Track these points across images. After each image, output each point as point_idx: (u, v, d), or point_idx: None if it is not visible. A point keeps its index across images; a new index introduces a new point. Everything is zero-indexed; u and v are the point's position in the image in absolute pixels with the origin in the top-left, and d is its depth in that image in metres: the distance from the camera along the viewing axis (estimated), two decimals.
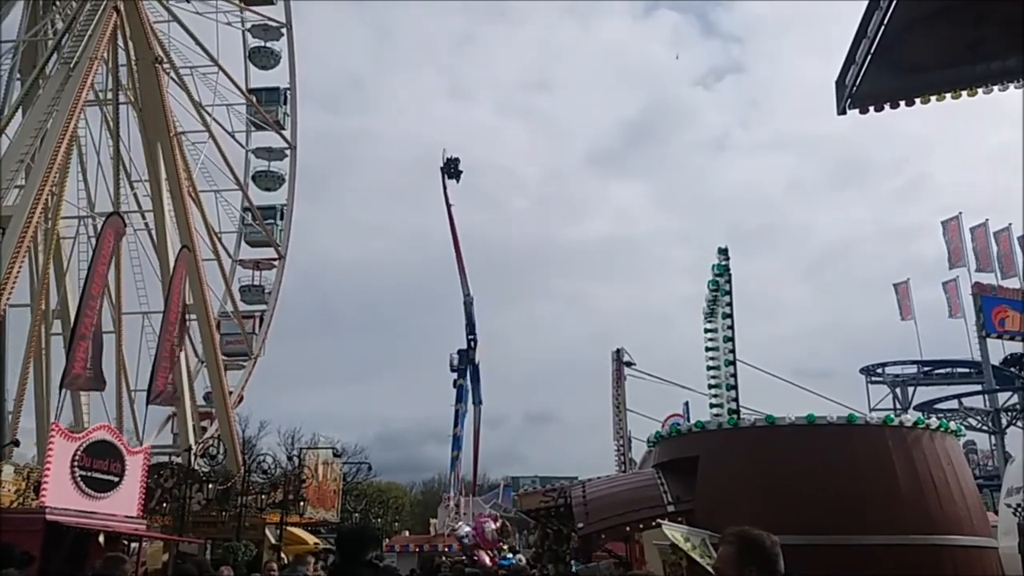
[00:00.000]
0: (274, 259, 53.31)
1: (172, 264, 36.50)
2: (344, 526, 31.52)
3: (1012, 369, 51.20)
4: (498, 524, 30.95)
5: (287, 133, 53.53)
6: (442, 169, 52.55)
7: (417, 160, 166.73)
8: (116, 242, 28.37)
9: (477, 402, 53.96)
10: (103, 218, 41.40)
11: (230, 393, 48.48)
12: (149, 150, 38.23)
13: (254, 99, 51.39)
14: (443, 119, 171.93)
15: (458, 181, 52.93)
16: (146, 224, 41.64)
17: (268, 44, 52.21)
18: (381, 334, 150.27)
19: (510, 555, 28.51)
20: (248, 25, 51.71)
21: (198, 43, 45.22)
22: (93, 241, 41.39)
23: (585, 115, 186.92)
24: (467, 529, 31.61)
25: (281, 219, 53.58)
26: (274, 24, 52.01)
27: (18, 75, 38.01)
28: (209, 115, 47.09)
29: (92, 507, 19.11)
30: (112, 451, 20.07)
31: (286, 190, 53.72)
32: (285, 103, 53.35)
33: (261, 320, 51.96)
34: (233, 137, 50.90)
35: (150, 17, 38.68)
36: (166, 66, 39.49)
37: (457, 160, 52.55)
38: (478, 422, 54.56)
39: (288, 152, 53.65)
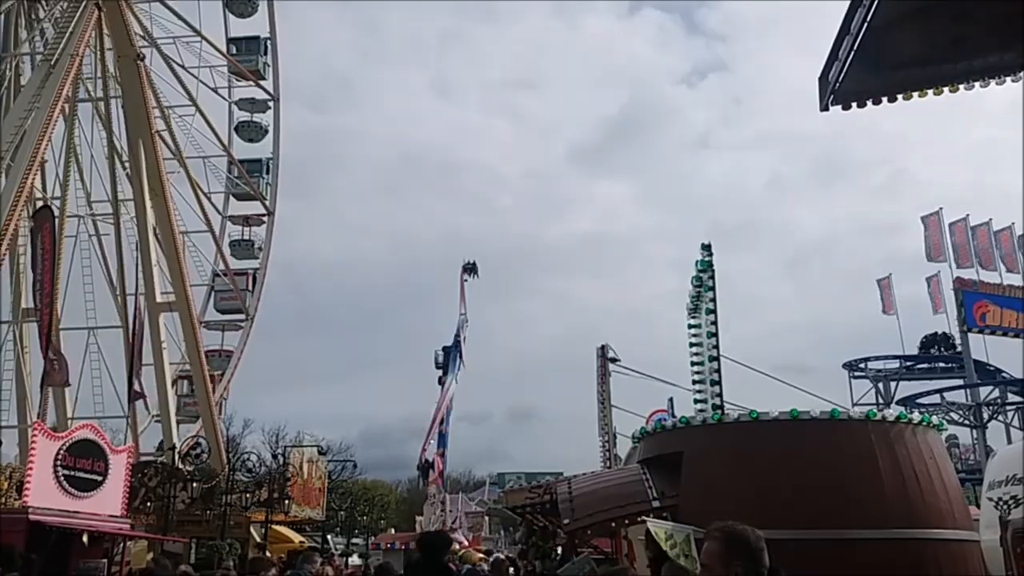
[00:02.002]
0: (263, 214, 52.77)
1: (154, 259, 36.44)
2: (427, 533, 30.69)
3: (933, 349, 51.59)
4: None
5: (268, 84, 52.79)
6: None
7: (404, 158, 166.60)
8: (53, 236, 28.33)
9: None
10: (102, 214, 41.42)
11: (229, 354, 48.50)
12: (131, 148, 37.93)
13: (233, 49, 50.69)
14: (429, 117, 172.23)
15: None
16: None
17: None
18: (366, 331, 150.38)
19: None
20: None
21: (179, 17, 44.84)
22: (93, 240, 41.43)
23: (569, 113, 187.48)
24: None
25: (267, 173, 52.91)
26: None
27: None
28: (195, 77, 46.83)
29: (76, 507, 19.01)
30: (95, 450, 19.96)
31: (270, 143, 53.27)
32: (266, 53, 52.46)
33: (254, 279, 51.59)
34: (216, 92, 50.32)
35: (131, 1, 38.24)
36: (148, 44, 39.13)
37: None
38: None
39: (271, 104, 53.00)
